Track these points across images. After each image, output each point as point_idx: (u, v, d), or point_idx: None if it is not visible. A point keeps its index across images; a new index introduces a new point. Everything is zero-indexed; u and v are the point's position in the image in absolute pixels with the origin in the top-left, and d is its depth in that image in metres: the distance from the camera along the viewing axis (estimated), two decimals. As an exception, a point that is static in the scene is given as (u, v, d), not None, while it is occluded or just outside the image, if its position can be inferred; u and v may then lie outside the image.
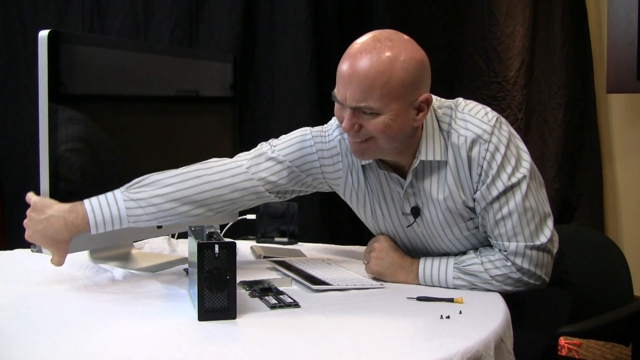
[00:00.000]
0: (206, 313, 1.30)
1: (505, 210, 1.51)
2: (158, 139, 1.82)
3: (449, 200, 1.55)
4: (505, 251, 1.53)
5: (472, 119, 1.52)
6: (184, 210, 1.57)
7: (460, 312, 1.37)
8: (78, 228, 1.49)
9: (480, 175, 1.51)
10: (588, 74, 3.47)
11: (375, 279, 1.61)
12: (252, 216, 2.16)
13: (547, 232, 1.54)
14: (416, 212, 1.59)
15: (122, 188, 1.55)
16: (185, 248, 1.95)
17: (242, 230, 2.24)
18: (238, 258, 1.33)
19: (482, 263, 1.54)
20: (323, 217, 2.99)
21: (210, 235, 1.42)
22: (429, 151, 1.52)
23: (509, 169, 1.50)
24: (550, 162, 3.42)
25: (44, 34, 1.49)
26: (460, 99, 1.59)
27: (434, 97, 1.55)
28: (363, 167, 1.63)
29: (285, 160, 1.63)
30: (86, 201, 1.51)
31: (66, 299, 1.47)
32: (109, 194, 1.52)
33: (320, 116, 2.97)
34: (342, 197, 1.71)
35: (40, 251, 1.61)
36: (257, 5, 3.00)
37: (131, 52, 1.79)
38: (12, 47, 2.85)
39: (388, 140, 1.46)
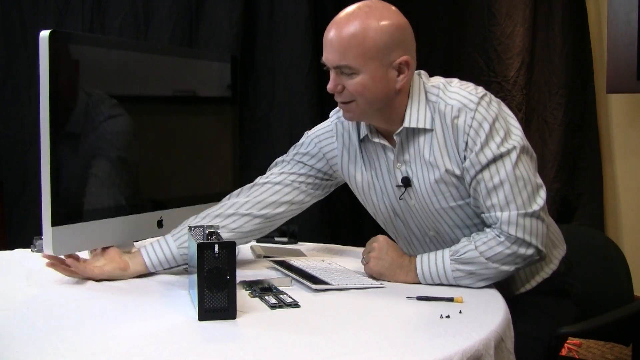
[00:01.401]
0: (206, 313, 1.30)
1: (496, 180, 1.52)
2: (158, 139, 1.82)
3: (435, 168, 1.57)
4: (497, 223, 1.53)
5: (460, 91, 1.57)
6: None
7: (460, 312, 1.37)
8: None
9: (467, 143, 1.53)
10: (588, 74, 3.47)
11: (375, 278, 1.61)
12: (252, 216, 2.16)
13: (539, 201, 1.54)
14: (406, 182, 1.61)
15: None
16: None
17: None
18: (238, 258, 1.33)
19: (476, 248, 1.54)
20: (323, 217, 2.99)
21: (210, 235, 1.42)
22: (413, 118, 1.57)
23: (497, 139, 1.52)
24: (550, 162, 3.42)
25: (45, 34, 1.49)
26: (456, 79, 1.64)
27: (426, 74, 1.63)
28: (361, 141, 1.67)
29: (292, 158, 1.75)
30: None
31: (66, 298, 1.47)
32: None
33: (320, 116, 2.97)
34: (343, 178, 1.75)
35: (40, 251, 1.61)
36: (257, 5, 3.00)
37: (131, 52, 1.79)
38: (12, 47, 2.86)
39: (367, 101, 1.53)
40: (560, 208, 3.46)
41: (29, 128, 2.80)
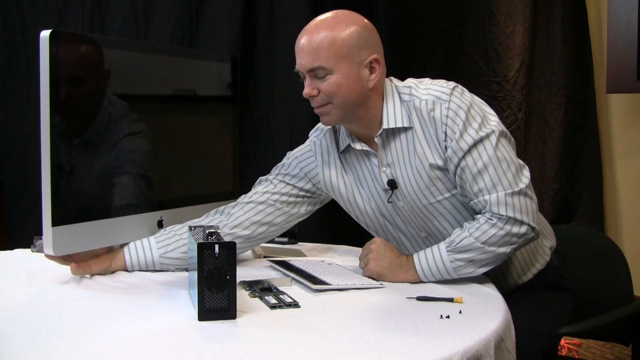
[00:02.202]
0: (206, 313, 1.30)
1: (480, 164, 1.55)
2: (158, 139, 1.82)
3: (419, 165, 1.60)
4: (487, 205, 1.54)
5: (432, 86, 1.63)
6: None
7: (460, 312, 1.37)
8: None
9: (446, 133, 1.56)
10: (588, 74, 3.47)
11: (375, 279, 1.61)
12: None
13: (524, 180, 1.56)
14: (392, 184, 1.64)
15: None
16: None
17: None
18: (238, 258, 1.33)
19: (470, 234, 1.55)
20: (323, 217, 2.99)
21: (210, 235, 1.42)
22: (391, 119, 1.61)
23: (475, 125, 1.56)
24: (550, 162, 3.42)
25: (45, 34, 1.49)
26: (427, 78, 1.68)
27: (397, 79, 1.68)
28: (342, 153, 1.71)
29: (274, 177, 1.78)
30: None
31: (66, 298, 1.47)
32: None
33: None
34: (328, 194, 1.78)
35: (40, 251, 1.61)
36: (257, 5, 3.00)
37: (131, 52, 1.79)
38: (12, 47, 2.85)
39: (343, 100, 1.57)
40: (560, 208, 3.46)
41: (29, 128, 2.80)
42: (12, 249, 1.96)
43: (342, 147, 1.71)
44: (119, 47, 1.79)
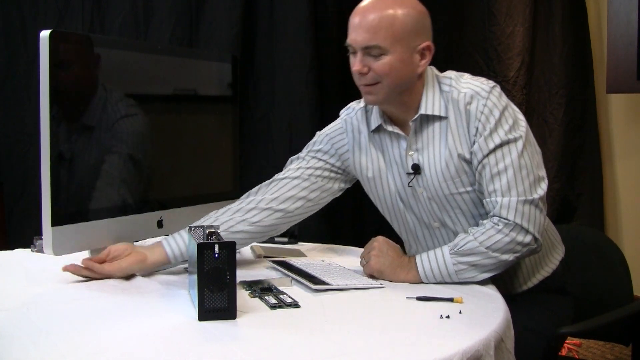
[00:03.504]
0: (206, 313, 1.30)
1: (501, 165, 1.56)
2: (158, 139, 1.82)
3: (448, 154, 1.60)
4: (497, 207, 1.55)
5: (472, 81, 1.64)
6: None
7: (460, 312, 1.37)
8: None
9: (477, 128, 1.58)
10: (588, 74, 3.47)
11: (375, 278, 1.61)
12: (252, 216, 2.16)
13: (539, 191, 1.57)
14: (416, 168, 1.65)
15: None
16: (186, 248, 1.96)
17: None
18: (238, 258, 1.33)
19: (475, 239, 1.56)
20: (323, 217, 2.99)
21: (210, 235, 1.42)
22: (429, 106, 1.62)
23: (506, 126, 1.58)
24: (550, 162, 3.42)
25: (45, 34, 1.49)
26: (468, 74, 1.69)
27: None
28: (372, 132, 1.71)
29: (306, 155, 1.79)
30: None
31: (66, 298, 1.47)
32: None
33: (320, 116, 2.97)
34: (354, 173, 1.78)
35: (40, 251, 1.61)
36: (257, 5, 3.00)
37: (131, 52, 1.79)
38: (12, 47, 2.85)
39: (392, 82, 1.58)
40: (560, 208, 3.46)
41: (29, 128, 2.80)
42: (12, 249, 1.96)
43: (372, 127, 1.71)
44: (119, 47, 1.79)
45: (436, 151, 1.62)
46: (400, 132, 1.66)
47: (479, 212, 1.64)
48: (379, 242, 1.64)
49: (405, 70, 1.58)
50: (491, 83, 1.63)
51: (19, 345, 1.17)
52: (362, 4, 1.61)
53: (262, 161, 3.02)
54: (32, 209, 2.72)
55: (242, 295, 1.48)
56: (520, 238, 1.54)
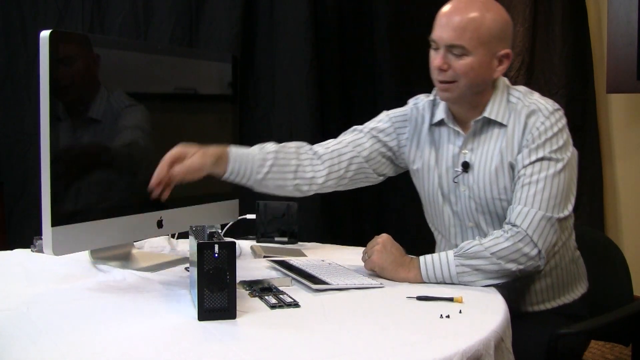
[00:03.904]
0: (206, 313, 1.30)
1: (534, 177, 1.60)
2: (158, 139, 1.82)
3: (498, 160, 1.65)
4: (514, 214, 1.58)
5: (540, 99, 1.68)
6: None
7: (460, 312, 1.37)
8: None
9: (528, 140, 1.62)
10: (588, 74, 3.47)
11: (375, 278, 1.61)
12: (252, 216, 2.16)
13: (560, 213, 1.59)
14: (466, 166, 1.69)
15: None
16: (186, 248, 1.96)
17: (242, 230, 2.24)
18: (238, 258, 1.33)
19: (481, 244, 1.57)
20: (323, 217, 3.00)
21: (211, 235, 1.42)
22: (494, 110, 1.67)
23: (554, 146, 1.61)
24: (550, 162, 3.41)
25: (45, 34, 1.49)
26: (537, 93, 1.73)
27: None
28: (433, 125, 1.77)
29: (369, 129, 1.82)
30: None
31: (66, 298, 1.47)
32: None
33: (320, 116, 2.97)
34: (406, 161, 1.82)
35: (40, 251, 1.61)
36: (257, 5, 3.00)
37: (131, 52, 1.79)
38: (12, 47, 2.86)
39: (469, 83, 1.63)
40: (560, 208, 3.45)
41: (29, 128, 2.80)
42: (12, 249, 1.96)
43: (435, 120, 1.76)
44: (119, 47, 1.79)
45: (489, 154, 1.67)
46: (460, 131, 1.71)
47: (501, 218, 1.66)
48: (383, 238, 1.66)
49: (483, 74, 1.63)
50: (556, 105, 1.67)
51: (19, 345, 1.17)
52: (453, 3, 1.65)
53: (262, 161, 3.02)
54: (32, 209, 2.73)
55: (242, 295, 1.48)
56: (526, 250, 1.55)
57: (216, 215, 1.98)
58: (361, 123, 1.86)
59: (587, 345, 1.82)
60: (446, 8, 1.65)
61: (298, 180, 1.73)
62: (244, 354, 1.14)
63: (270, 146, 1.72)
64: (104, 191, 1.68)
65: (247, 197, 2.05)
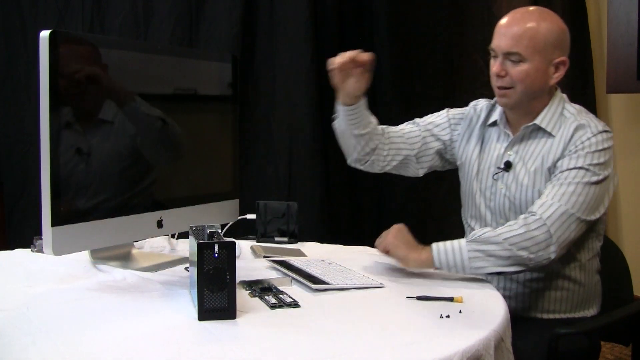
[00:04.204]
0: (206, 313, 1.30)
1: (568, 180, 1.64)
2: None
3: (539, 164, 1.71)
4: (535, 205, 1.63)
5: (593, 119, 1.73)
6: None
7: (460, 312, 1.37)
8: None
9: (570, 150, 1.68)
10: (588, 74, 3.47)
11: (375, 277, 1.61)
12: (252, 216, 2.16)
13: (584, 216, 1.62)
14: (508, 165, 1.76)
15: None
16: (186, 247, 1.96)
17: (242, 230, 2.24)
18: (238, 258, 1.33)
19: (494, 230, 1.62)
20: (323, 217, 3.00)
21: (211, 235, 1.42)
22: (545, 119, 1.74)
23: (594, 161, 1.65)
24: (550, 162, 3.41)
25: (45, 34, 1.49)
26: (593, 115, 1.79)
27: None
28: (487, 125, 1.86)
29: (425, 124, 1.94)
30: None
31: (66, 299, 1.47)
32: None
33: (320, 116, 2.97)
34: (456, 156, 1.91)
35: (40, 251, 1.61)
36: (257, 5, 3.00)
37: (131, 52, 1.79)
38: (12, 47, 2.86)
39: (525, 89, 1.71)
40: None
41: (29, 128, 2.80)
42: (12, 249, 1.96)
43: (489, 121, 1.85)
44: (119, 47, 1.79)
45: (532, 158, 1.73)
46: (510, 133, 1.79)
47: None
48: (400, 225, 1.71)
49: (539, 80, 1.71)
50: (607, 127, 1.72)
51: (19, 345, 1.17)
52: (511, 14, 1.77)
53: (262, 161, 3.03)
54: (32, 209, 2.73)
55: (242, 295, 1.48)
56: (540, 238, 1.58)
57: (216, 215, 1.98)
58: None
59: (597, 348, 1.81)
60: (504, 19, 1.75)
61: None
62: (244, 354, 1.14)
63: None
64: (105, 191, 1.68)
65: (247, 197, 2.05)
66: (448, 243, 1.63)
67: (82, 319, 1.33)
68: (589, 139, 1.66)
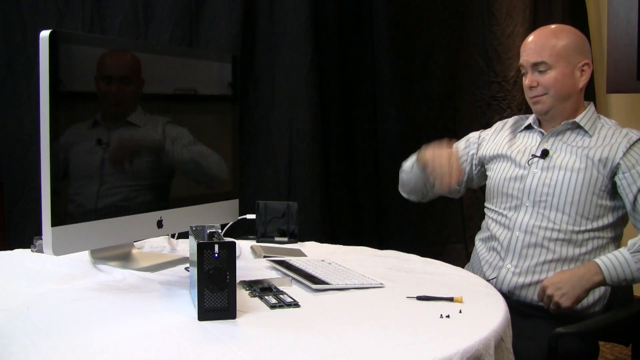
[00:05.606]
0: (206, 313, 1.30)
1: None
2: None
3: (578, 156, 1.86)
4: None
5: (626, 129, 1.90)
6: None
7: (460, 312, 1.37)
8: None
9: (624, 153, 1.82)
10: (588, 74, 3.46)
11: (375, 277, 1.61)
12: (252, 216, 2.16)
13: None
14: (545, 153, 1.92)
15: None
16: (186, 247, 1.96)
17: (242, 230, 2.24)
18: (238, 258, 1.33)
19: None
20: (323, 217, 2.99)
21: (211, 235, 1.42)
22: (584, 120, 1.92)
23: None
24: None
25: (45, 34, 1.49)
26: None
27: None
28: (519, 131, 2.03)
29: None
30: None
31: (66, 298, 1.47)
32: None
33: (321, 116, 2.97)
34: (484, 154, 2.07)
35: (40, 251, 1.61)
36: (257, 5, 3.00)
37: (131, 52, 1.79)
38: (12, 47, 2.85)
39: (557, 93, 1.90)
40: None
41: (29, 128, 2.80)
42: (12, 249, 1.96)
43: (522, 127, 2.02)
44: (119, 47, 1.79)
45: (569, 149, 1.89)
46: (543, 131, 1.96)
47: (568, 211, 1.84)
48: (548, 280, 1.77)
49: (568, 84, 1.90)
50: None
51: (19, 345, 1.17)
52: (532, 33, 1.96)
53: (262, 161, 3.02)
54: (32, 209, 2.72)
55: (242, 295, 1.48)
56: None
57: (216, 215, 1.98)
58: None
59: (595, 349, 1.81)
60: (528, 38, 1.94)
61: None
62: (244, 354, 1.14)
63: None
64: (105, 191, 1.68)
65: (247, 197, 2.05)
66: (612, 257, 1.75)
67: (82, 319, 1.33)
68: (636, 143, 1.83)
